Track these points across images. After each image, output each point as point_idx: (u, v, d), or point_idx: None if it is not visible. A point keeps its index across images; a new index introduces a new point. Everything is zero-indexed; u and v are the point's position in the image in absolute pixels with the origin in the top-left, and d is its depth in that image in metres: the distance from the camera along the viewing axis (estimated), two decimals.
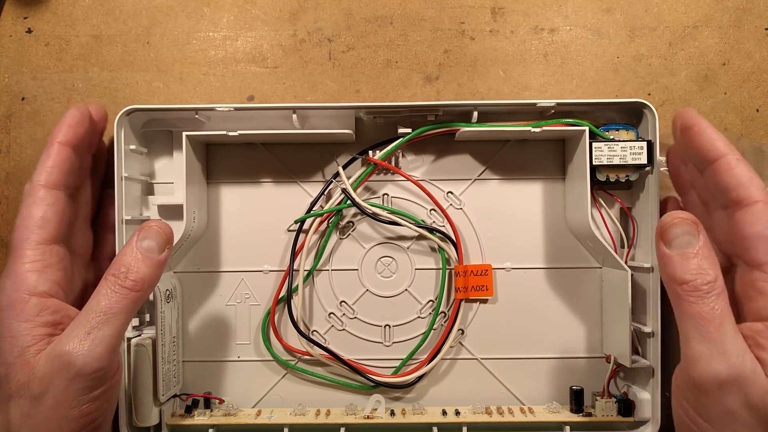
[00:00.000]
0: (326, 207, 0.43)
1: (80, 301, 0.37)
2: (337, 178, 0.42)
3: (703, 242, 0.30)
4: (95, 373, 0.30)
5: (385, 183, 0.44)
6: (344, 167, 0.42)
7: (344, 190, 0.42)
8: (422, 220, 0.43)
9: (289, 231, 0.43)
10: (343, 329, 0.44)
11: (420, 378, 0.42)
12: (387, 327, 0.44)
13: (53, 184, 0.34)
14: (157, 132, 0.43)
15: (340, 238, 0.44)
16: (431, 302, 0.43)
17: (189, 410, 0.42)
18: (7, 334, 0.31)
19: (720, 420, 0.29)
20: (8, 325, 0.31)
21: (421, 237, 0.43)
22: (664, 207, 0.40)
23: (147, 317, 0.42)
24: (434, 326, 0.43)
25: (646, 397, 0.40)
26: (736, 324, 0.30)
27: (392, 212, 0.42)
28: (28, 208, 0.34)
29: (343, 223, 0.44)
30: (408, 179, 0.42)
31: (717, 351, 0.29)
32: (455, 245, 0.42)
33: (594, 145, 0.39)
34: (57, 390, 0.30)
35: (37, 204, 0.34)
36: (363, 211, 0.42)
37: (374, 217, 0.42)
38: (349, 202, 0.42)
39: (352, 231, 0.44)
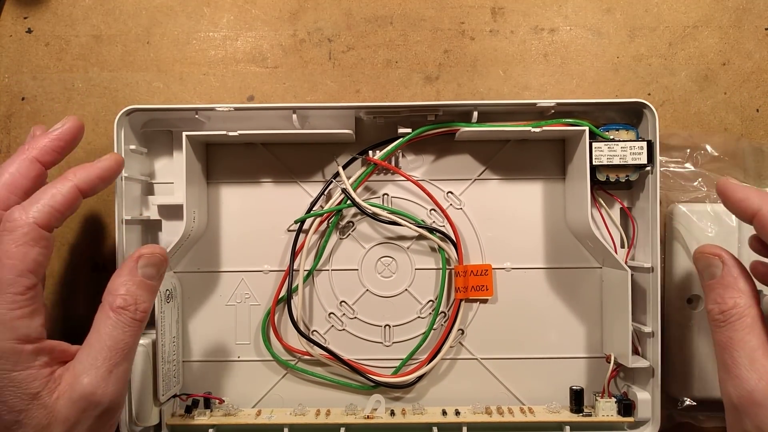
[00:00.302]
0: (326, 207, 0.43)
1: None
2: (337, 178, 0.42)
3: (724, 273, 0.31)
4: (120, 406, 0.31)
5: (385, 183, 0.44)
6: (344, 167, 0.42)
7: (344, 190, 0.42)
8: (422, 220, 0.43)
9: (289, 231, 0.43)
10: (343, 329, 0.44)
11: (420, 378, 0.42)
12: (387, 327, 0.44)
13: (50, 226, 0.31)
14: (157, 132, 0.43)
15: (340, 238, 0.44)
16: (431, 302, 0.43)
17: (189, 410, 0.42)
18: (6, 384, 0.29)
19: None
20: (6, 376, 0.29)
21: (421, 237, 0.43)
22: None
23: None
24: (434, 326, 0.43)
25: (646, 397, 0.40)
26: None
27: (392, 212, 0.42)
28: (19, 247, 0.30)
29: (343, 223, 0.44)
30: (408, 179, 0.42)
31: (730, 376, 0.30)
32: (455, 245, 0.42)
33: (594, 145, 0.39)
34: (83, 428, 0.30)
35: (29, 245, 0.30)
36: (363, 211, 0.42)
37: (374, 217, 0.42)
38: (349, 202, 0.42)
39: (352, 231, 0.44)
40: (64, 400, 0.30)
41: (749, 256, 0.42)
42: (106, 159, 0.35)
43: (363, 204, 0.42)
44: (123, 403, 0.32)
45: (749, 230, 0.42)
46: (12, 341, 0.29)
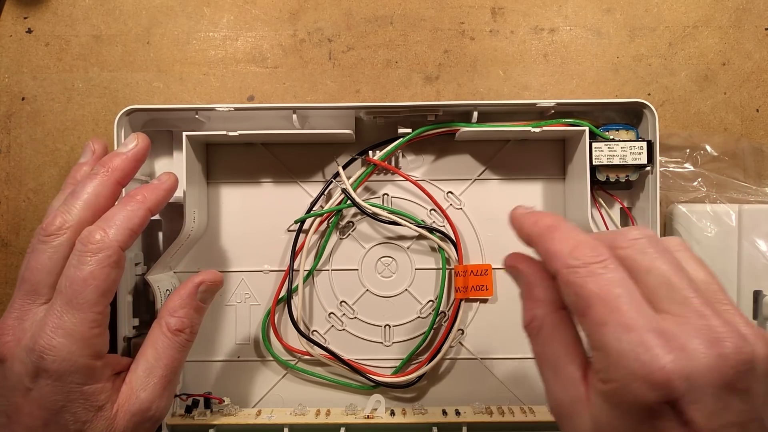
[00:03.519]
0: (326, 207, 0.43)
1: None
2: (337, 178, 0.42)
3: (521, 284, 0.31)
4: (163, 418, 0.34)
5: (385, 183, 0.44)
6: (344, 167, 0.42)
7: (344, 190, 0.42)
8: (422, 220, 0.43)
9: (289, 231, 0.43)
10: (343, 329, 0.44)
11: (420, 378, 0.42)
12: (387, 327, 0.44)
13: (127, 248, 0.32)
14: (157, 132, 0.43)
15: (340, 238, 0.44)
16: (431, 302, 0.43)
17: (189, 410, 0.42)
18: (77, 397, 0.30)
19: None
20: (78, 389, 0.30)
21: (421, 237, 0.43)
22: None
23: (147, 317, 0.42)
24: (434, 326, 0.43)
25: None
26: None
27: (392, 212, 0.42)
28: (104, 269, 0.30)
29: (343, 223, 0.44)
30: (407, 179, 0.42)
31: (545, 388, 0.29)
32: (455, 245, 0.42)
33: (594, 145, 0.39)
34: None
35: (112, 267, 0.30)
36: (363, 211, 0.42)
37: (374, 216, 0.42)
38: (349, 202, 0.42)
39: (352, 231, 0.44)
40: (122, 412, 0.31)
41: (748, 256, 0.42)
42: (167, 180, 0.35)
43: (363, 204, 0.42)
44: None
45: (749, 230, 0.42)
46: (88, 357, 0.30)
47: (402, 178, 0.43)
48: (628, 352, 0.23)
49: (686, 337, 0.23)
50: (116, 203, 0.33)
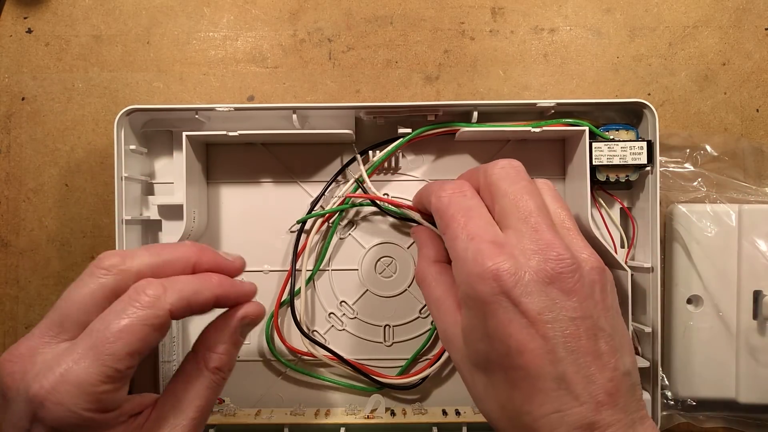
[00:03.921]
0: (327, 207, 0.43)
1: None
2: (347, 170, 0.42)
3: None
4: None
5: (386, 183, 0.44)
6: (343, 167, 0.42)
7: (358, 180, 0.41)
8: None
9: (291, 231, 0.43)
10: (344, 329, 0.44)
11: (424, 379, 0.42)
12: (387, 327, 0.44)
13: (176, 318, 0.29)
14: (157, 132, 0.43)
15: (341, 238, 0.44)
16: None
17: None
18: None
19: None
20: None
21: None
22: None
23: None
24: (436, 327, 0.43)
25: (646, 397, 0.40)
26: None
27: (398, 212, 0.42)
28: (145, 326, 0.27)
29: (344, 223, 0.44)
30: (376, 198, 0.42)
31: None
32: None
33: (594, 145, 0.39)
34: None
35: (154, 329, 0.27)
36: (375, 204, 0.42)
37: (387, 211, 0.42)
38: (350, 202, 0.42)
39: (353, 231, 0.44)
40: None
41: (748, 256, 0.42)
42: (249, 288, 0.32)
43: (378, 194, 0.41)
44: None
45: (749, 230, 0.42)
46: (94, 412, 0.26)
47: (402, 178, 0.43)
48: (469, 258, 0.28)
49: (519, 246, 0.28)
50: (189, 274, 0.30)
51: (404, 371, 0.43)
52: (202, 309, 0.30)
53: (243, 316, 0.31)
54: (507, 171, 0.30)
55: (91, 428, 0.26)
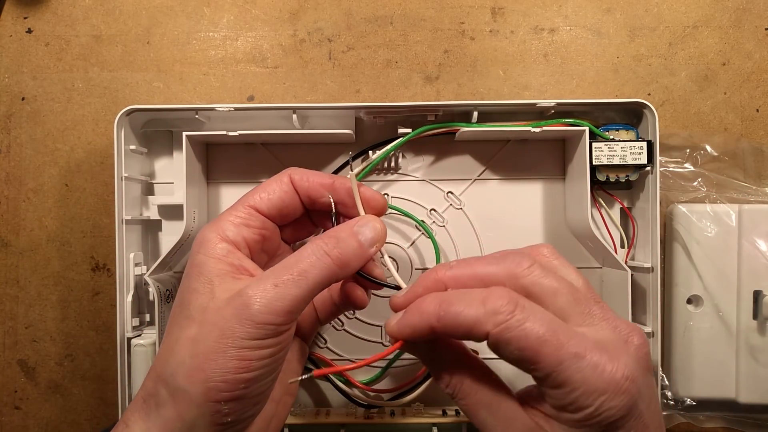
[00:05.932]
0: None
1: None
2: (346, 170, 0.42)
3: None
4: (266, 325, 0.28)
5: (385, 183, 0.44)
6: (343, 167, 0.42)
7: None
8: (422, 221, 0.43)
9: None
10: (342, 329, 0.44)
11: (425, 379, 0.42)
12: None
13: (297, 190, 0.33)
14: (157, 132, 0.43)
15: None
16: None
17: None
18: (196, 263, 0.30)
19: None
20: (198, 257, 0.30)
21: (420, 237, 0.43)
22: None
23: (147, 317, 0.42)
24: None
25: None
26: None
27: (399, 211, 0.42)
28: (268, 181, 0.33)
29: None
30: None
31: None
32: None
33: (594, 145, 0.39)
34: (226, 325, 0.28)
35: (276, 183, 0.33)
36: None
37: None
38: None
39: None
40: (224, 291, 0.30)
41: (748, 256, 0.42)
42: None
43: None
44: (273, 331, 0.30)
45: (749, 230, 0.42)
46: (214, 233, 0.31)
47: (402, 179, 0.43)
48: (590, 377, 0.25)
49: (609, 343, 0.26)
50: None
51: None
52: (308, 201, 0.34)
53: (359, 218, 0.32)
54: (538, 270, 0.28)
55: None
